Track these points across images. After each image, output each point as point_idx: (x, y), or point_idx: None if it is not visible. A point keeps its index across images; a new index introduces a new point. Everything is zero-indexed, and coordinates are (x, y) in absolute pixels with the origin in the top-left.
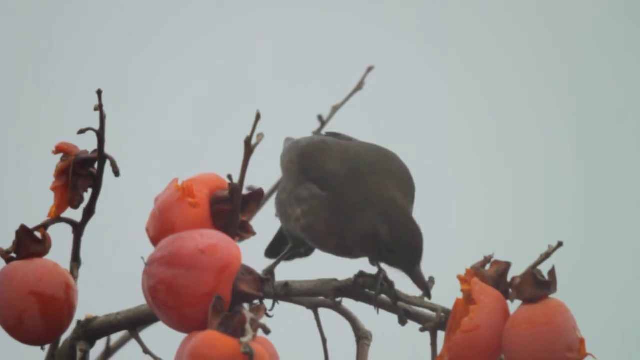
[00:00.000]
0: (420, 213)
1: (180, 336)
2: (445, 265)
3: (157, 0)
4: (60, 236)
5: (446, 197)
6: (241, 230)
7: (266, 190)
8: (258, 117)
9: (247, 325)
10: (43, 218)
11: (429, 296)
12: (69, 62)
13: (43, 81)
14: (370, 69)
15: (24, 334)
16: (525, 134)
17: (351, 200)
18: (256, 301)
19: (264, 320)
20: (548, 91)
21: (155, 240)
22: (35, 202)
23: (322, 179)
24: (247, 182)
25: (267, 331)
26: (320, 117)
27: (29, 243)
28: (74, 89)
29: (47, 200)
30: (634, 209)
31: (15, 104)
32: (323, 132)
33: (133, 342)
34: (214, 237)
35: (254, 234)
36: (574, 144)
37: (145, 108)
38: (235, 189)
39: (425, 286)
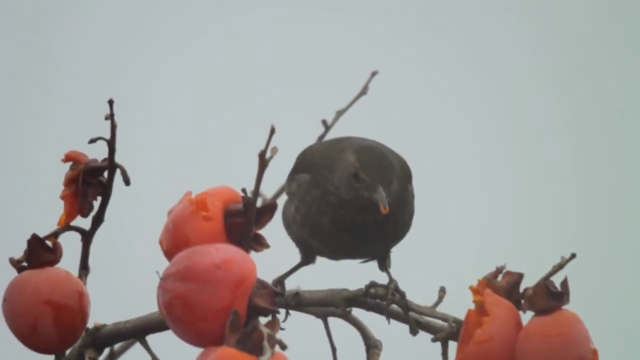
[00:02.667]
0: (420, 212)
1: (188, 345)
2: (445, 262)
3: (157, 0)
4: (69, 244)
5: (446, 196)
6: (255, 243)
7: (269, 196)
8: (272, 131)
9: (265, 342)
10: (53, 227)
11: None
12: (68, 62)
13: (43, 81)
14: (374, 74)
15: (38, 343)
16: (526, 134)
17: (332, 159)
18: (270, 315)
19: (278, 334)
20: (548, 91)
21: (169, 254)
22: (44, 211)
23: (307, 166)
24: (251, 187)
25: (283, 347)
26: (324, 122)
27: (41, 252)
28: (74, 88)
29: (57, 209)
30: (634, 209)
31: (15, 103)
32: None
33: (136, 347)
34: (229, 252)
35: (267, 246)
36: (574, 144)
37: (144, 107)
38: (249, 202)
39: (384, 204)
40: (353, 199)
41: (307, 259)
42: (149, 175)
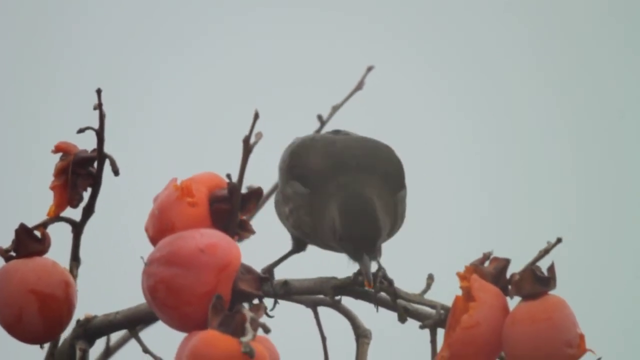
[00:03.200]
0: (420, 212)
1: (180, 335)
2: (445, 262)
3: (157, 0)
4: (60, 235)
5: (446, 196)
6: (240, 229)
7: (266, 189)
8: (256, 116)
9: (247, 325)
10: (42, 217)
11: (374, 287)
12: (68, 62)
13: (43, 81)
14: (370, 69)
15: (23, 333)
16: (525, 134)
17: (324, 196)
18: (256, 300)
19: (264, 319)
20: (548, 91)
21: (154, 240)
22: (34, 201)
23: (303, 176)
24: (247, 182)
25: (267, 330)
26: (320, 117)
27: (29, 242)
28: (74, 88)
29: (47, 199)
30: (634, 209)
31: (15, 103)
32: (324, 131)
33: (133, 342)
34: (213, 237)
35: (253, 232)
36: (574, 144)
37: (144, 107)
38: (234, 188)
39: (368, 276)
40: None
41: (298, 247)
42: (150, 176)
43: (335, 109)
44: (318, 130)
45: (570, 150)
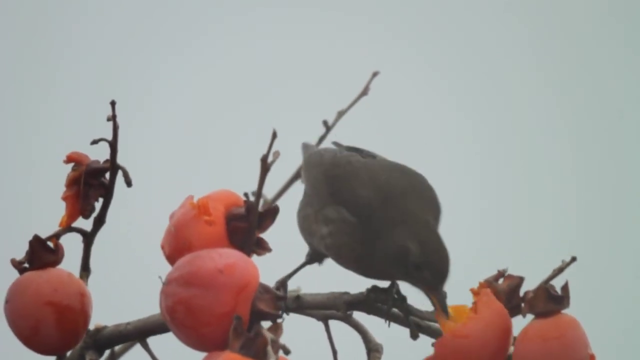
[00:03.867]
0: None
1: (189, 349)
2: (452, 277)
3: (157, 0)
4: (71, 246)
5: (446, 195)
6: (257, 247)
7: (270, 196)
8: (274, 135)
9: (269, 348)
10: (54, 228)
11: (446, 316)
12: (68, 61)
13: (43, 79)
14: (375, 74)
15: (39, 344)
16: (526, 134)
17: (383, 222)
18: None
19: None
20: (548, 91)
21: (171, 258)
22: (46, 212)
23: (353, 204)
24: (248, 187)
25: (287, 352)
26: (325, 122)
27: (42, 253)
28: (74, 87)
29: (58, 210)
30: (634, 209)
31: (15, 103)
32: (334, 140)
33: (137, 348)
34: (232, 257)
35: (269, 250)
36: (574, 144)
37: (145, 106)
38: (251, 206)
39: (445, 309)
40: (402, 278)
41: (315, 258)
42: (150, 176)
43: (340, 114)
44: (323, 136)
45: (570, 150)
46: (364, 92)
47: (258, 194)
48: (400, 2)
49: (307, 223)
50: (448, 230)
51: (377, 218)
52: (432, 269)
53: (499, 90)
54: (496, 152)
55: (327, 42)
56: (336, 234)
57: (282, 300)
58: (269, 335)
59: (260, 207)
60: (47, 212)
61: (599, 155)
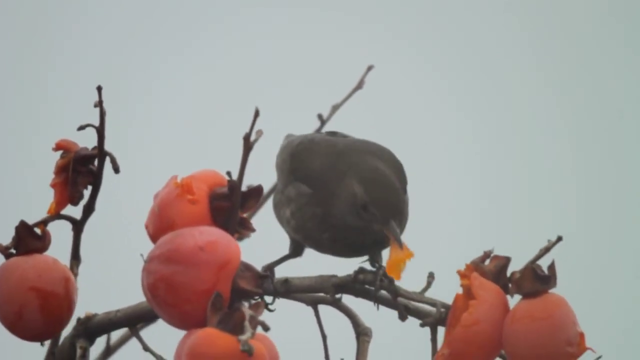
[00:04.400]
0: (420, 210)
1: (180, 333)
2: (445, 261)
3: (157, 0)
4: (60, 233)
5: (446, 195)
6: (240, 227)
7: (266, 188)
8: (257, 114)
9: (246, 323)
10: (43, 215)
11: (400, 246)
12: (68, 61)
13: (42, 79)
14: (370, 68)
15: (24, 330)
16: (526, 134)
17: (332, 181)
18: (255, 298)
19: (264, 315)
20: (548, 91)
21: (154, 237)
22: (35, 199)
23: (308, 177)
24: (247, 181)
25: (266, 328)
26: (320, 116)
27: (29, 239)
28: (74, 87)
29: (47, 197)
30: (634, 209)
31: (15, 101)
32: (323, 131)
33: (133, 341)
34: (213, 234)
35: (253, 230)
36: (574, 144)
37: (145, 106)
38: (234, 185)
39: (398, 239)
40: (361, 228)
41: (296, 252)
42: (149, 176)
43: (335, 108)
44: (318, 130)
45: (570, 150)
46: (359, 86)
47: (241, 173)
48: (400, 2)
49: (276, 210)
50: (448, 228)
51: (330, 180)
52: (377, 204)
53: (499, 90)
54: (496, 152)
55: (322, 38)
56: (297, 211)
57: (263, 279)
58: (247, 311)
59: (244, 187)
60: (46, 207)
61: (599, 155)
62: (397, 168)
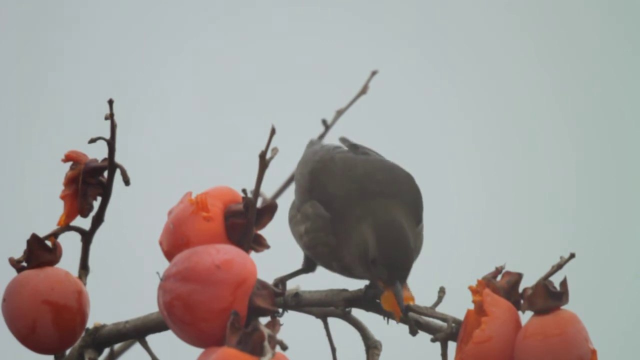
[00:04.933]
0: (426, 221)
1: (188, 345)
2: (454, 273)
3: (157, 0)
4: (69, 245)
5: (449, 201)
6: (255, 244)
7: (269, 194)
8: (273, 132)
9: (266, 343)
10: (52, 227)
11: (406, 314)
12: (68, 62)
13: (43, 79)
14: (374, 73)
15: (37, 343)
16: (526, 134)
17: (351, 219)
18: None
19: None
20: (548, 91)
21: (169, 254)
22: (44, 211)
23: (326, 199)
24: (251, 187)
25: (284, 347)
26: (324, 121)
27: (40, 252)
28: (74, 88)
29: (57, 209)
30: (634, 209)
31: (15, 103)
32: (341, 137)
33: (136, 347)
34: (229, 252)
35: (268, 247)
36: (575, 144)
37: (144, 108)
38: (249, 202)
39: (401, 304)
40: (367, 278)
41: (309, 267)
42: (149, 175)
43: (339, 113)
44: (322, 135)
45: (571, 150)
46: (363, 91)
47: (256, 190)
48: (400, 2)
49: (291, 224)
50: (448, 229)
51: (348, 215)
52: (386, 264)
53: (499, 91)
54: (496, 152)
55: (326, 41)
56: (312, 231)
57: (279, 297)
58: (266, 331)
59: (258, 204)
60: (46, 212)
61: (599, 155)
62: (415, 201)
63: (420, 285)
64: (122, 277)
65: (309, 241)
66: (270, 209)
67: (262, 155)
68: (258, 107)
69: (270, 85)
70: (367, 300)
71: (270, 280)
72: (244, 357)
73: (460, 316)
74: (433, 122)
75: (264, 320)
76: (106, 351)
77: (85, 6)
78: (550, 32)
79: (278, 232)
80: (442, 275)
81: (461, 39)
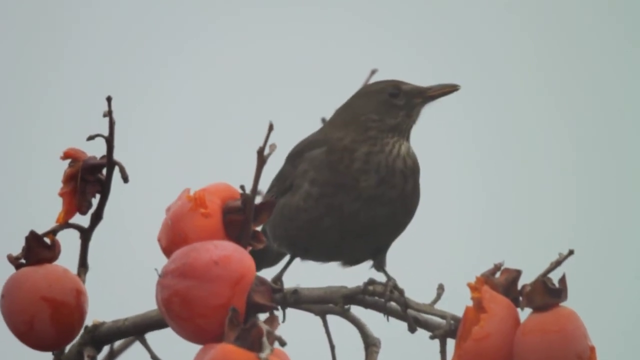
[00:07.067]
0: (425, 218)
1: (187, 342)
2: (453, 270)
3: (157, 0)
4: (68, 242)
5: (449, 200)
6: (253, 240)
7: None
8: (271, 128)
9: (265, 339)
10: (51, 224)
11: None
12: (68, 62)
13: (42, 79)
14: (373, 72)
15: (35, 340)
16: (526, 133)
17: (344, 115)
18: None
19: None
20: (548, 91)
21: (167, 251)
22: (43, 208)
23: (316, 142)
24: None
25: (282, 343)
26: (323, 120)
27: (39, 249)
28: (73, 88)
29: (55, 206)
30: (634, 209)
31: (15, 103)
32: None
33: (136, 345)
34: (227, 249)
35: (265, 243)
36: (575, 144)
37: (144, 107)
38: (247, 199)
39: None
40: (400, 122)
41: (295, 252)
42: (148, 172)
43: None
44: None
45: (571, 150)
46: None
47: (254, 186)
48: (400, 2)
49: (287, 211)
50: (448, 229)
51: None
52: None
53: (499, 90)
54: (496, 152)
55: (326, 41)
56: (310, 170)
57: (278, 293)
58: (264, 327)
59: (256, 200)
60: (45, 209)
61: (599, 155)
62: None
63: (419, 283)
64: (121, 275)
65: (312, 179)
66: (268, 206)
67: (260, 152)
68: (258, 106)
69: (270, 84)
70: (366, 297)
71: (268, 277)
72: (243, 353)
73: (459, 313)
74: (433, 121)
75: (262, 316)
76: (106, 349)
77: (85, 6)
78: (550, 32)
79: None
80: (440, 272)
81: (461, 39)
